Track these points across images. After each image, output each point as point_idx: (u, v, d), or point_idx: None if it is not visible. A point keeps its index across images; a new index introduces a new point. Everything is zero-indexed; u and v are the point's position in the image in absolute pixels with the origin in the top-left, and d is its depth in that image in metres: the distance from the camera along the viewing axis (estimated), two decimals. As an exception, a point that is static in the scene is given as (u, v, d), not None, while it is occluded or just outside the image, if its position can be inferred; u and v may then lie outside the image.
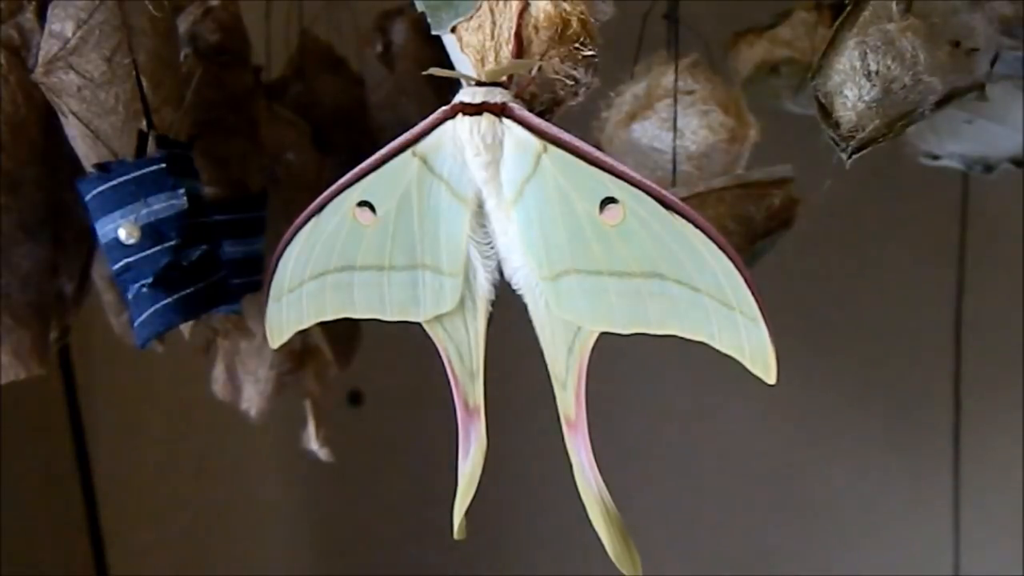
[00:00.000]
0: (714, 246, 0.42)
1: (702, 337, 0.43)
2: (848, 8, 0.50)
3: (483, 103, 0.43)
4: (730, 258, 0.42)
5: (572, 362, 0.48)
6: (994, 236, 1.10)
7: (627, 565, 0.49)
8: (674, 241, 0.42)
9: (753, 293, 0.41)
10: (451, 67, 0.48)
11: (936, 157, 0.73)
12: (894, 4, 0.49)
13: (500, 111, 0.43)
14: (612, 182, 0.43)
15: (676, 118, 0.59)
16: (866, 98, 0.48)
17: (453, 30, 0.46)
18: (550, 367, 0.49)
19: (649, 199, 0.42)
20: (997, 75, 0.52)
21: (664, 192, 0.42)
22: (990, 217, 1.09)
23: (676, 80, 0.59)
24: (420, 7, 0.47)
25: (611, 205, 0.43)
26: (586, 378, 0.48)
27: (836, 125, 0.50)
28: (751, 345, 0.42)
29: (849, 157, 0.50)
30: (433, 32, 0.47)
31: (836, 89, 0.49)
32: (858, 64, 0.48)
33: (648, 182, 0.42)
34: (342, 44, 0.81)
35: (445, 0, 0.46)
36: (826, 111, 0.50)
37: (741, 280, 0.42)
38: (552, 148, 0.43)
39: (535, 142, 0.43)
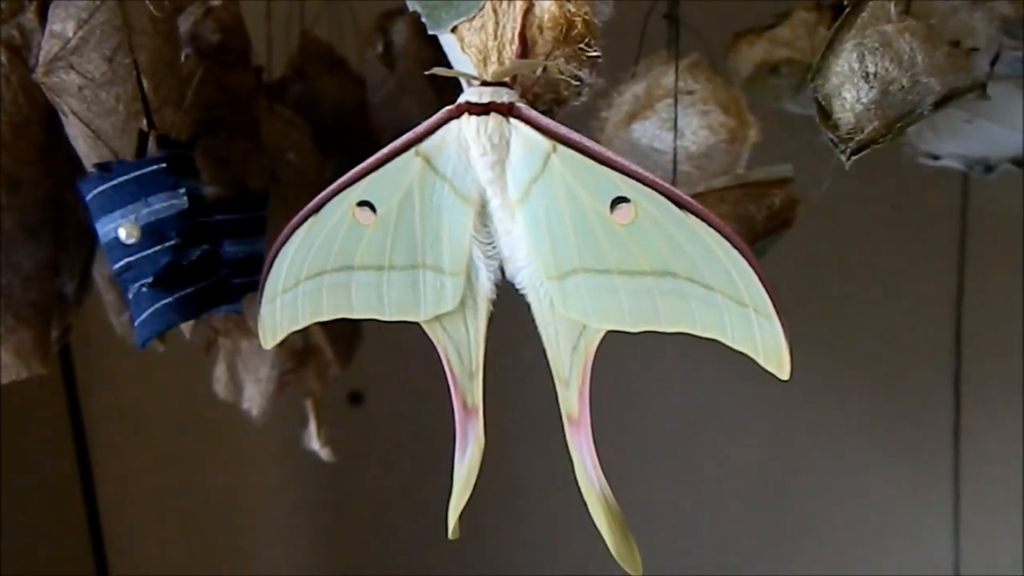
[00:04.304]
0: (728, 244, 0.42)
1: (714, 334, 0.43)
2: (847, 10, 0.50)
3: (490, 103, 0.43)
4: (744, 256, 0.42)
5: (576, 361, 0.48)
6: (994, 236, 1.10)
7: (629, 563, 0.49)
8: (687, 239, 0.42)
9: (767, 290, 0.42)
10: (451, 67, 0.48)
11: (936, 157, 0.73)
12: (892, 5, 0.49)
13: (508, 111, 0.43)
14: (623, 181, 0.43)
15: (676, 118, 0.59)
16: (864, 100, 0.48)
17: (454, 30, 0.46)
18: (553, 366, 0.49)
19: (662, 198, 0.42)
20: (997, 75, 0.52)
21: (677, 191, 0.43)
22: (990, 217, 1.09)
23: (676, 80, 0.59)
24: (414, 7, 0.47)
25: (622, 204, 0.43)
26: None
27: (835, 127, 0.50)
28: (764, 342, 0.42)
29: (848, 158, 0.50)
30: (430, 32, 0.47)
31: (834, 91, 0.50)
32: (856, 66, 0.49)
33: (661, 181, 0.42)
34: (343, 44, 0.81)
35: (445, 0, 0.46)
36: (825, 112, 0.50)
37: (755, 277, 0.42)
38: (561, 148, 0.43)
39: (544, 142, 0.43)
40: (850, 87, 0.49)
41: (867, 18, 0.49)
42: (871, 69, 0.48)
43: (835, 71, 0.49)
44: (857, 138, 0.49)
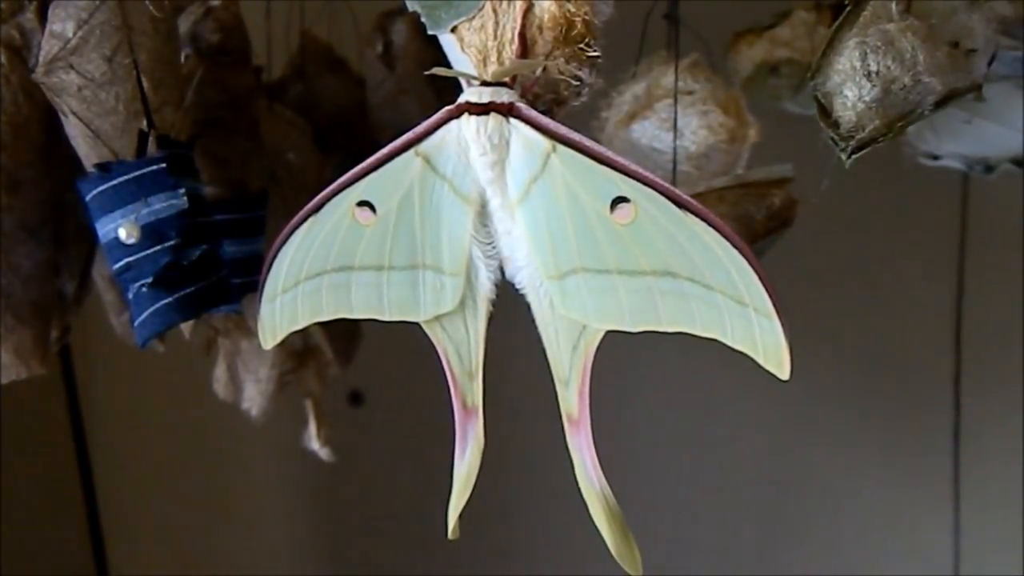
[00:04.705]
0: (728, 244, 0.42)
1: (714, 334, 0.43)
2: (848, 8, 0.50)
3: (490, 103, 0.43)
4: (744, 256, 0.42)
5: (576, 360, 0.48)
6: (994, 236, 1.10)
7: (629, 563, 0.49)
8: (687, 239, 0.42)
9: (767, 289, 0.42)
10: (451, 67, 0.48)
11: (936, 157, 0.73)
12: (893, 5, 0.49)
13: (508, 111, 0.43)
14: (624, 181, 0.43)
15: (676, 118, 0.59)
16: (866, 98, 0.48)
17: (453, 30, 0.46)
18: (553, 366, 0.49)
19: (662, 198, 0.42)
20: (997, 75, 0.52)
21: (677, 191, 0.43)
22: (990, 217, 1.09)
23: (676, 80, 0.59)
24: (413, 7, 0.47)
25: (622, 204, 0.43)
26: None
27: (836, 125, 0.50)
28: (764, 341, 0.42)
29: (848, 157, 0.50)
30: (430, 32, 0.47)
31: (836, 89, 0.49)
32: (858, 64, 0.48)
33: (661, 181, 0.42)
34: (342, 44, 0.81)
35: (445, 0, 0.46)
36: (825, 111, 0.50)
37: (755, 277, 0.42)
38: (561, 148, 0.43)
39: (544, 142, 0.43)
40: (852, 85, 0.49)
41: (869, 17, 0.49)
42: (873, 68, 0.48)
43: (837, 69, 0.49)
44: (858, 137, 0.49)
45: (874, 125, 0.49)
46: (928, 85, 0.48)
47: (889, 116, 0.49)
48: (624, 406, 1.16)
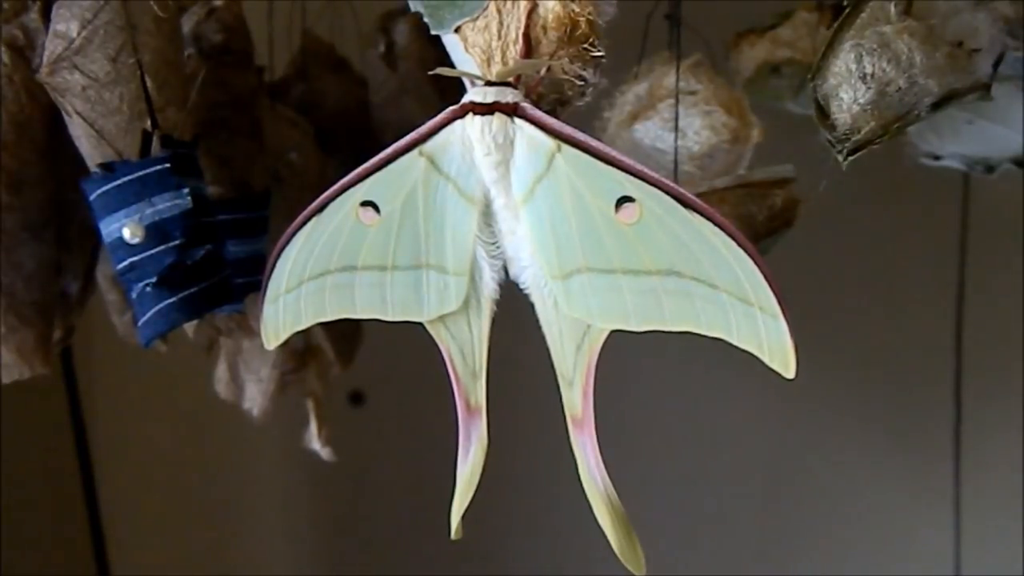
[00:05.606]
0: (733, 243, 0.42)
1: (719, 333, 0.43)
2: (847, 10, 0.50)
3: (495, 103, 0.43)
4: (750, 255, 0.42)
5: (580, 360, 0.48)
6: (994, 236, 1.11)
7: (633, 563, 0.49)
8: (692, 239, 0.42)
9: (773, 289, 0.42)
10: (454, 67, 0.48)
11: (937, 157, 0.73)
12: (892, 6, 0.49)
13: (512, 111, 0.43)
14: (629, 181, 0.43)
15: (678, 118, 0.59)
16: (861, 100, 0.48)
17: (457, 30, 0.46)
18: (557, 366, 0.49)
19: (667, 198, 0.42)
20: (999, 76, 0.52)
21: (682, 191, 0.43)
22: (990, 217, 1.09)
23: (678, 80, 0.59)
24: (416, 7, 0.47)
25: (627, 204, 0.43)
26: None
27: (832, 127, 0.50)
28: (770, 340, 0.42)
29: (845, 159, 0.50)
30: (433, 32, 0.47)
31: (832, 91, 0.50)
32: (853, 66, 0.48)
33: (666, 181, 0.43)
34: (344, 44, 0.81)
35: (449, 0, 0.46)
36: (823, 112, 0.50)
37: (761, 276, 0.42)
38: (566, 147, 0.43)
39: (549, 142, 0.43)
40: (847, 88, 0.49)
41: (867, 18, 0.49)
42: (868, 70, 0.48)
43: (833, 71, 0.49)
44: (854, 138, 0.49)
45: (870, 127, 0.49)
46: (924, 87, 0.48)
47: (885, 118, 0.49)
48: (628, 406, 1.16)
